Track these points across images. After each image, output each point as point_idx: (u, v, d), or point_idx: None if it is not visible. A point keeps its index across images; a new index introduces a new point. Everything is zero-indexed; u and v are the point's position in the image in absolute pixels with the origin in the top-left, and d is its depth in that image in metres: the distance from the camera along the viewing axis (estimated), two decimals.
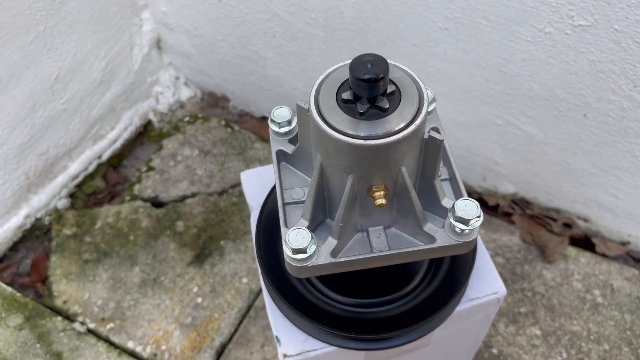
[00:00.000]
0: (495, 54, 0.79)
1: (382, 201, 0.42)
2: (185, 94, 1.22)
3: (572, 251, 0.90)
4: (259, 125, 1.17)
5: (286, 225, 0.46)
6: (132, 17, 1.06)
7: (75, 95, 1.00)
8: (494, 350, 0.81)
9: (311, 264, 0.44)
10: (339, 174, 0.43)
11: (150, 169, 1.08)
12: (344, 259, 0.44)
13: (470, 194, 1.02)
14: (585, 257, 0.89)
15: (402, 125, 0.40)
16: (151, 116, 1.18)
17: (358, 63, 0.39)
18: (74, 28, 0.95)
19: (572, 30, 0.72)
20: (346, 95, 0.41)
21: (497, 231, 0.93)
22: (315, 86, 0.42)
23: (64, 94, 0.98)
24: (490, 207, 0.97)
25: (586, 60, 0.74)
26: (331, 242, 0.45)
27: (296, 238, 0.42)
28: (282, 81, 1.06)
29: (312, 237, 0.43)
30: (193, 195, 1.03)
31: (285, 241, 0.43)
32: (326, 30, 0.91)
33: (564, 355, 0.80)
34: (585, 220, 0.93)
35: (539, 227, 0.92)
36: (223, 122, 1.14)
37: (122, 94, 1.10)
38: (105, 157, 1.10)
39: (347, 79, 0.41)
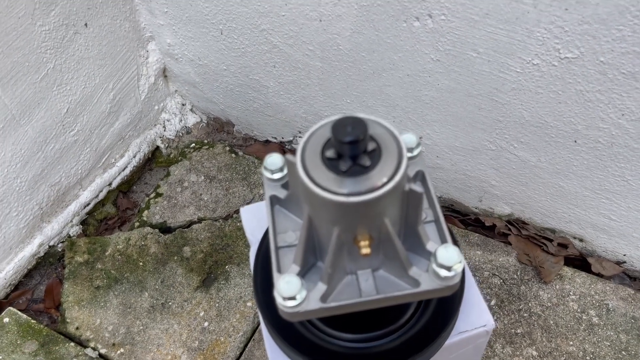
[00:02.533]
0: (486, 84, 0.82)
1: (367, 250, 0.45)
2: (191, 120, 1.25)
3: (568, 271, 0.92)
4: (262, 149, 1.20)
5: (279, 270, 0.49)
6: (138, 49, 1.10)
7: (85, 127, 1.04)
8: None
9: (302, 310, 0.46)
10: (325, 225, 0.46)
11: (158, 195, 1.12)
12: (333, 304, 0.47)
13: (467, 215, 1.05)
14: (581, 277, 0.91)
15: (384, 181, 0.43)
16: (159, 143, 1.22)
17: (339, 126, 0.42)
18: (83, 64, 0.99)
19: (559, 62, 0.74)
20: (329, 153, 0.43)
21: (494, 252, 0.95)
22: (302, 144, 0.45)
23: (74, 126, 1.02)
24: (487, 227, 0.99)
25: (574, 90, 0.76)
26: (321, 287, 0.48)
27: (287, 286, 0.45)
28: (283, 108, 1.10)
29: (301, 285, 0.46)
30: (199, 220, 1.06)
31: (276, 289, 0.45)
32: (323, 61, 0.94)
33: None
34: (581, 240, 0.95)
35: (535, 247, 0.94)
36: (227, 148, 1.18)
37: (130, 122, 1.14)
38: (115, 184, 1.14)
39: (330, 137, 0.44)
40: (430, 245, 0.49)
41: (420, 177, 0.54)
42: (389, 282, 0.50)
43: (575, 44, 0.71)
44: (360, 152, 0.42)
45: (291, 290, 0.45)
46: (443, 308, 0.58)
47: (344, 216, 0.44)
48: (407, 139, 0.53)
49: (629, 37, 0.67)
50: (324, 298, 0.47)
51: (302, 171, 0.44)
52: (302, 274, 0.49)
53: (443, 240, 0.50)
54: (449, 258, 0.45)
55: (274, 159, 0.54)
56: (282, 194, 0.54)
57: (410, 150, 0.54)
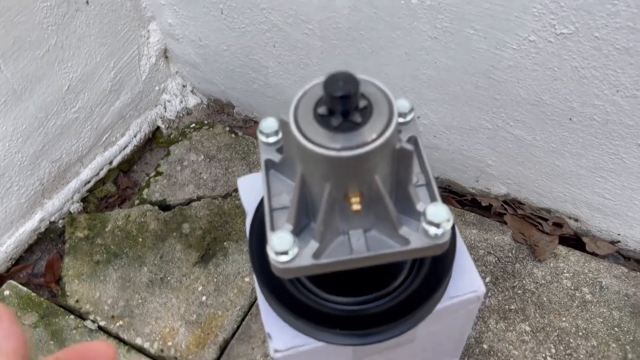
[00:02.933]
0: (482, 62, 0.82)
1: (358, 207, 0.46)
2: (192, 101, 1.26)
3: (562, 250, 0.93)
4: None
5: (272, 229, 0.50)
6: (139, 29, 1.11)
7: (86, 104, 1.05)
8: (485, 346, 0.84)
9: (294, 266, 0.47)
10: (318, 182, 0.47)
11: (158, 173, 1.13)
12: (324, 261, 0.48)
13: (464, 195, 1.05)
14: (575, 255, 0.92)
15: (374, 136, 0.43)
16: (159, 123, 1.23)
17: (330, 81, 0.43)
18: (84, 41, 1.00)
19: (555, 38, 0.75)
20: (321, 110, 0.44)
21: (490, 231, 0.96)
22: (295, 102, 0.46)
23: (75, 103, 1.03)
24: (483, 207, 1.00)
25: (569, 66, 0.76)
26: (313, 244, 0.49)
27: (279, 241, 0.46)
28: (283, 88, 1.10)
29: (294, 241, 0.47)
30: (199, 198, 1.07)
31: (269, 244, 0.46)
32: (323, 40, 0.95)
33: (553, 350, 0.83)
34: (576, 219, 0.96)
35: (530, 226, 0.95)
36: (227, 129, 1.19)
37: (131, 102, 1.15)
38: (115, 162, 1.16)
39: (323, 95, 0.45)
40: (420, 206, 0.50)
41: (413, 141, 0.54)
42: (380, 241, 0.51)
43: (571, 20, 0.72)
44: (351, 108, 0.43)
45: (283, 245, 0.46)
46: (434, 273, 0.59)
47: (335, 172, 0.45)
48: (400, 104, 0.54)
49: (623, 11, 0.68)
50: (316, 255, 0.48)
51: (295, 128, 0.45)
52: (296, 233, 0.50)
53: (433, 200, 0.51)
54: (437, 215, 0.46)
55: (269, 123, 0.55)
56: (276, 157, 0.55)
57: (403, 115, 0.55)
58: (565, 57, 0.76)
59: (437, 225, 0.46)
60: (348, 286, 0.59)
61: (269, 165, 0.56)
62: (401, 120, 0.55)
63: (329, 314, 0.57)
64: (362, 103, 0.44)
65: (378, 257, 0.49)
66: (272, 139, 0.55)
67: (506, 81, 0.83)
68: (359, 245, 0.51)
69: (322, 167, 0.45)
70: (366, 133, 0.43)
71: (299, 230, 0.52)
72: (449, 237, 0.48)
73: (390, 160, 0.46)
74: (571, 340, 0.83)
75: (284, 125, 0.48)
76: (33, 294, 0.95)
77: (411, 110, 0.55)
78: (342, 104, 0.42)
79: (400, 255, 0.49)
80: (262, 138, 0.55)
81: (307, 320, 0.57)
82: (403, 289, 0.59)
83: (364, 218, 0.50)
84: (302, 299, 0.58)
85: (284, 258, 0.47)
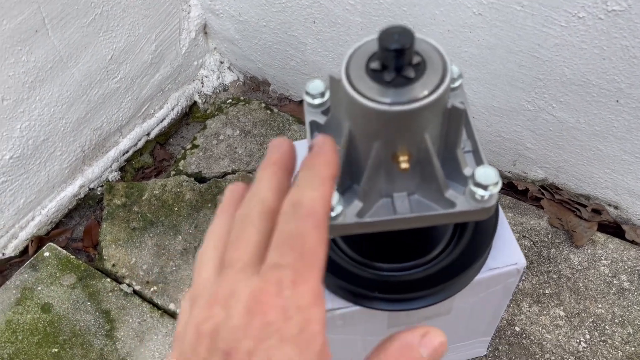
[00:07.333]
0: (528, 39, 0.81)
1: (406, 165, 0.46)
2: (228, 77, 1.27)
3: (600, 237, 0.91)
4: (297, 108, 1.21)
5: None
6: (181, 3, 1.12)
7: (128, 75, 1.07)
8: (517, 328, 0.83)
9: (338, 223, 0.47)
10: (366, 140, 0.47)
11: (194, 146, 1.14)
12: (368, 220, 0.48)
13: None
14: (614, 243, 0.90)
15: (426, 93, 0.43)
16: (196, 98, 1.24)
17: (386, 34, 0.42)
18: (128, 12, 1.02)
19: (606, 15, 0.73)
20: (374, 65, 0.44)
21: (525, 215, 0.94)
22: (346, 57, 0.46)
23: (117, 73, 1.05)
24: (519, 191, 0.99)
25: (619, 45, 0.75)
26: (357, 204, 0.49)
27: None
28: (320, 66, 1.10)
29: (339, 198, 0.47)
30: (233, 172, 1.08)
31: None
32: (363, 16, 0.94)
33: (587, 336, 0.81)
34: (616, 207, 0.94)
35: (567, 212, 0.93)
36: (263, 105, 1.20)
37: (170, 75, 1.17)
38: (153, 134, 1.17)
39: (376, 51, 0.44)
40: (467, 170, 0.49)
41: None
42: (424, 204, 0.51)
43: None
44: (405, 64, 0.43)
45: None
46: (475, 243, 0.59)
47: (385, 128, 0.44)
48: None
49: None
50: (360, 214, 0.48)
51: (346, 82, 0.45)
52: (340, 192, 0.50)
53: (480, 164, 0.50)
54: (486, 177, 0.46)
55: (316, 84, 0.55)
56: (321, 119, 0.55)
57: (452, 80, 0.54)
58: (615, 35, 0.74)
59: (485, 188, 0.46)
60: (388, 252, 0.59)
61: (314, 126, 0.56)
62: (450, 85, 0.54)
63: (367, 278, 0.57)
64: (415, 59, 0.44)
65: (422, 219, 0.49)
66: (317, 101, 0.55)
67: (551, 60, 0.81)
68: (402, 207, 0.51)
69: (372, 123, 0.44)
70: (418, 89, 0.43)
71: (342, 191, 0.52)
72: (495, 201, 0.48)
73: (441, 119, 0.46)
74: (607, 327, 0.82)
75: (333, 83, 0.49)
76: (72, 256, 0.98)
77: (460, 76, 0.54)
78: (396, 57, 0.42)
79: (444, 218, 0.49)
80: (307, 99, 0.55)
81: (345, 284, 0.57)
82: (442, 258, 0.59)
83: (409, 180, 0.50)
84: (340, 263, 0.59)
85: None
